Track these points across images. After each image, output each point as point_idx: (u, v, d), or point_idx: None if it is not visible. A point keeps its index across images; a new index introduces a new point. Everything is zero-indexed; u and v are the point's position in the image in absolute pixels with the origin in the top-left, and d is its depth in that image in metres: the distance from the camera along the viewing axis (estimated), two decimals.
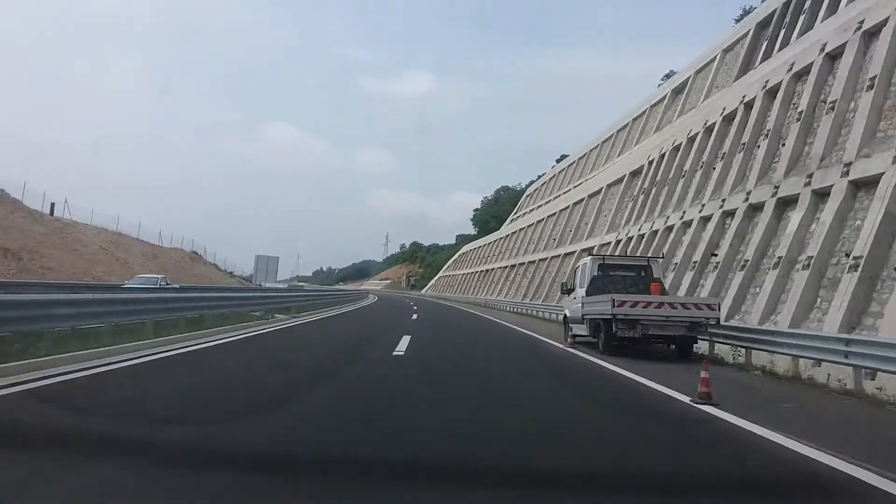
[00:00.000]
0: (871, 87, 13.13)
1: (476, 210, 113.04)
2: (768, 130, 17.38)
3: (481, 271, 62.37)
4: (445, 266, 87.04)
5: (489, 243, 64.66)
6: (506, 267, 51.50)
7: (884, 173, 11.60)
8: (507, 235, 57.21)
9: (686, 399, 6.78)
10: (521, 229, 52.31)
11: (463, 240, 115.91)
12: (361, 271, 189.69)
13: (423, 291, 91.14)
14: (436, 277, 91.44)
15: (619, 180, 31.16)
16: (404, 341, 12.44)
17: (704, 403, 6.44)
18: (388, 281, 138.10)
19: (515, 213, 68.92)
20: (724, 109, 21.13)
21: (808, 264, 12.82)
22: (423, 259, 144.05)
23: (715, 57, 28.19)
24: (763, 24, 24.36)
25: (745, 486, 3.96)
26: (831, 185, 13.24)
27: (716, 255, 17.31)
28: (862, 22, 14.36)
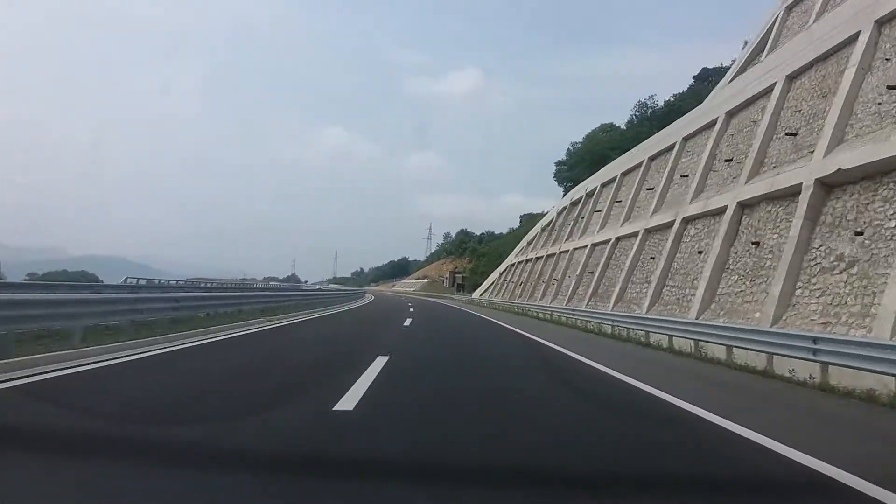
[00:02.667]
0: None
1: (562, 164, 70.92)
2: None
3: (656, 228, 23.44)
4: (519, 249, 50.75)
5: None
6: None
7: None
8: None
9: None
10: None
11: (530, 220, 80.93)
12: (399, 269, 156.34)
13: (474, 296, 55.77)
14: (497, 271, 55.56)
15: None
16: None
17: None
18: (425, 280, 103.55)
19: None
20: None
21: None
22: (473, 251, 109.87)
23: None
24: None
25: None
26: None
27: None
28: None
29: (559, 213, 41.09)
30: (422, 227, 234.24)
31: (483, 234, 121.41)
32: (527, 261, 43.60)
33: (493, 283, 54.54)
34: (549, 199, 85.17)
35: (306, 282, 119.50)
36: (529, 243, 46.93)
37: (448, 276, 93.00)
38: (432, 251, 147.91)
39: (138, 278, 27.11)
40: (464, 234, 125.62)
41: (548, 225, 43.12)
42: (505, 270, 51.99)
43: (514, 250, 51.71)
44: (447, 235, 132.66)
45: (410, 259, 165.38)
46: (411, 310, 29.89)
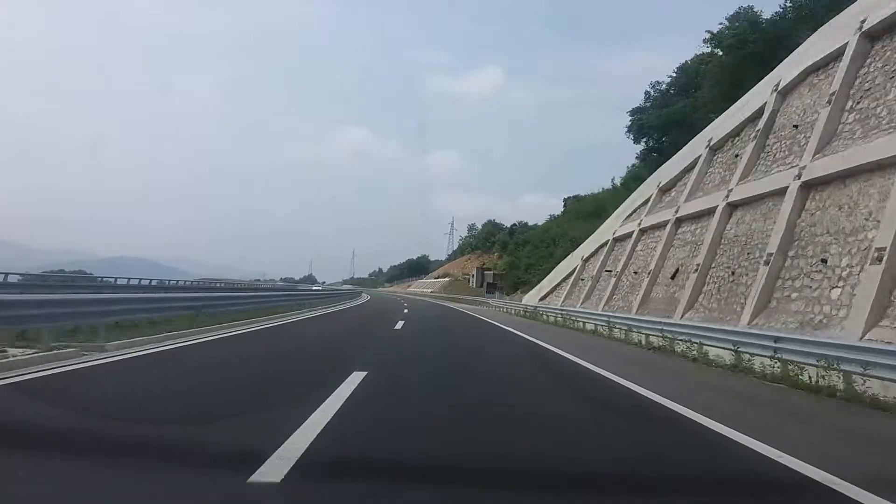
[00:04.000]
0: None
1: (639, 113, 47.30)
2: None
3: None
4: (625, 213, 29.57)
5: None
6: None
7: None
8: None
9: None
10: None
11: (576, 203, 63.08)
12: (418, 268, 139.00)
13: (528, 301, 36.05)
14: (581, 254, 33.34)
15: None
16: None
17: None
18: (446, 279, 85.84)
19: None
20: None
21: None
22: (503, 245, 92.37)
23: None
24: None
25: None
26: None
27: None
28: None
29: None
30: (443, 226, 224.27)
31: (515, 224, 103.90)
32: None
33: (572, 275, 33.05)
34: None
35: (323, 282, 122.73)
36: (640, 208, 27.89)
37: (474, 273, 75.22)
38: (455, 248, 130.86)
39: (140, 279, 27.13)
40: (491, 226, 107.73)
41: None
42: (597, 252, 30.68)
43: (617, 213, 31.35)
44: (472, 228, 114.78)
45: (431, 259, 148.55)
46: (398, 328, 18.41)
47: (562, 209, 78.58)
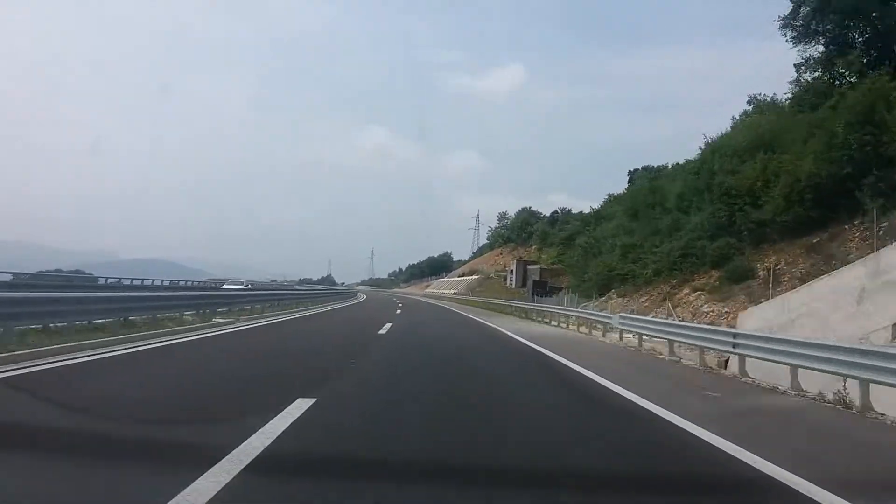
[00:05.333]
0: None
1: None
2: None
3: None
4: None
5: None
6: None
7: None
8: None
9: None
10: None
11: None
12: (439, 266, 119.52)
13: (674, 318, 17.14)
14: None
15: None
16: None
17: None
18: (473, 278, 65.90)
19: None
20: None
21: None
22: (543, 236, 72.83)
23: None
24: None
25: None
26: None
27: None
28: None
29: None
30: (465, 226, 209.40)
31: (556, 212, 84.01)
32: None
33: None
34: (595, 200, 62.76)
35: (343, 283, 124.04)
36: None
37: (513, 268, 55.39)
38: (480, 244, 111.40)
39: (132, 279, 28.33)
40: (527, 214, 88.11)
41: None
42: None
43: None
44: (503, 217, 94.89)
45: (448, 252, 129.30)
46: None
47: (626, 185, 58.55)
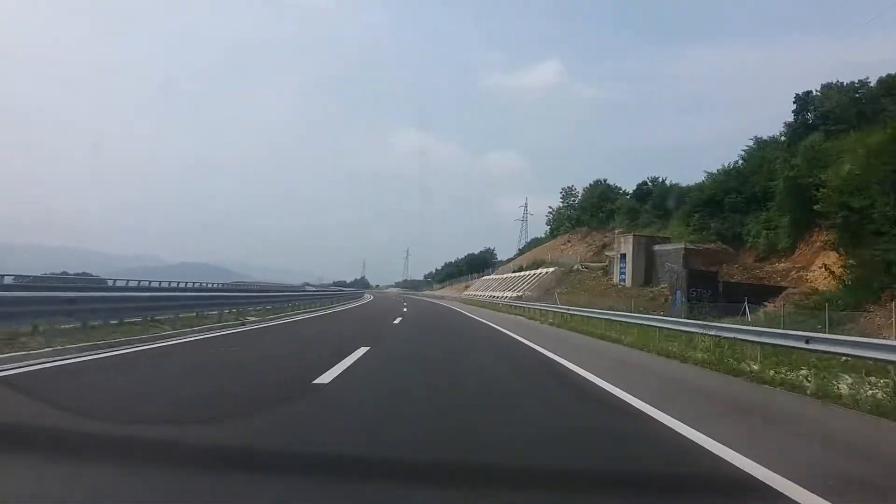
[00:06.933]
0: None
1: None
2: None
3: None
4: None
5: None
6: None
7: None
8: None
9: None
10: None
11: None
12: (480, 263, 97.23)
13: None
14: None
15: None
16: None
17: None
18: (545, 272, 42.86)
19: None
20: None
21: None
22: (632, 214, 51.33)
23: None
24: None
25: None
26: None
27: None
28: None
29: None
30: (505, 224, 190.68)
31: (645, 182, 60.91)
32: None
33: None
34: None
35: (377, 285, 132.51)
36: None
37: (631, 248, 32.25)
38: (527, 240, 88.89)
39: (150, 281, 28.25)
40: (604, 188, 65.22)
41: None
42: None
43: None
44: (570, 192, 71.84)
45: (491, 249, 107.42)
46: None
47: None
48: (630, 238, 32.48)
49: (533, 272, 44.78)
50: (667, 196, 53.49)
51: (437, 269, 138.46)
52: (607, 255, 36.81)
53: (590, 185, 68.62)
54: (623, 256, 32.54)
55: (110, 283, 25.84)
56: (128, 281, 25.14)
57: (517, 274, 50.42)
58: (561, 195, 72.93)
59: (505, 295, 39.37)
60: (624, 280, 31.77)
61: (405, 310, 25.99)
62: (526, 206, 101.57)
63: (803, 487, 3.13)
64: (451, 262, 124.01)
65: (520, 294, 36.10)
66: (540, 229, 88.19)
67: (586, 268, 37.91)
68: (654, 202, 55.78)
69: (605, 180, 68.39)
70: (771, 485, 3.23)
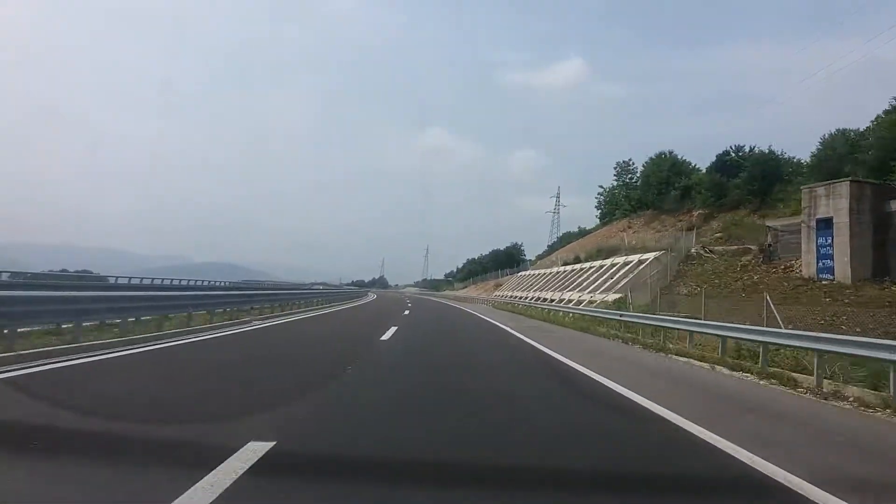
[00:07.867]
0: None
1: None
2: None
3: None
4: None
5: None
6: None
7: None
8: None
9: None
10: None
11: None
12: (507, 259, 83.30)
13: None
14: None
15: None
16: None
17: None
18: (647, 257, 28.64)
19: None
20: None
21: None
22: (717, 188, 37.17)
23: None
24: None
25: None
26: None
27: None
28: None
29: None
30: (528, 226, 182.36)
31: (730, 151, 46.32)
32: None
33: None
34: None
35: (396, 285, 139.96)
36: None
37: (850, 204, 18.31)
38: (559, 234, 74.73)
39: (163, 278, 30.77)
40: (673, 161, 50.76)
41: None
42: None
43: None
44: (625, 167, 57.41)
45: (518, 244, 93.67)
46: None
47: None
48: (844, 188, 18.07)
49: (601, 263, 30.67)
50: (772, 166, 39.63)
51: (458, 268, 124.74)
52: (771, 228, 22.30)
53: (651, 157, 54.29)
54: (825, 224, 18.51)
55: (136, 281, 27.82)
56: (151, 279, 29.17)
57: (571, 267, 36.42)
58: (615, 172, 58.55)
59: (570, 298, 25.39)
60: (830, 268, 17.41)
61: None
62: (558, 197, 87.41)
63: None
64: (474, 259, 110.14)
65: (603, 297, 22.04)
66: (566, 225, 74.96)
67: (710, 252, 23.96)
68: (749, 174, 41.52)
69: (671, 151, 54.07)
70: None
